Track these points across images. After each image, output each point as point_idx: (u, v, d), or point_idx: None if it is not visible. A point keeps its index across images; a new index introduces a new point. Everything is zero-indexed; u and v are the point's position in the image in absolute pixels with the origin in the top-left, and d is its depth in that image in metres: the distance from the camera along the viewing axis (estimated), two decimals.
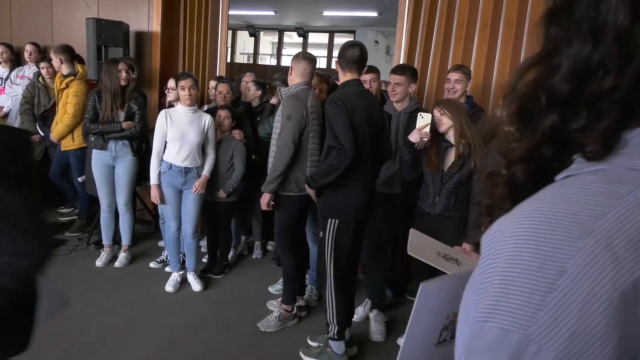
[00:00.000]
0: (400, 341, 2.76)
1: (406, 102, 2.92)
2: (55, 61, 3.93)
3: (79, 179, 3.96)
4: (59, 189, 4.38)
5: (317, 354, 2.59)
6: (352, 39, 12.97)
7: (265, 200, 2.75)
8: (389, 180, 2.88)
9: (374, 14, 9.72)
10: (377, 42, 13.08)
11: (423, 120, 2.46)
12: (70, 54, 3.98)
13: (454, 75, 2.92)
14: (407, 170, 2.62)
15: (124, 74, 3.44)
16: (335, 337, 2.55)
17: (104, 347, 2.56)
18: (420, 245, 1.46)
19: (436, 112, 2.47)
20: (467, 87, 2.94)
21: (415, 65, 3.71)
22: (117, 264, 3.62)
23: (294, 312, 2.98)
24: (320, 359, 2.57)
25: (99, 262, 3.60)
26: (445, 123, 2.46)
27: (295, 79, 2.78)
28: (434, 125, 2.47)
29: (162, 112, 3.22)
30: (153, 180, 3.21)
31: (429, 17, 3.61)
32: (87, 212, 4.16)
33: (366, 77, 2.98)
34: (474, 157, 2.39)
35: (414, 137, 2.49)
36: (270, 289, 3.39)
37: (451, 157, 2.48)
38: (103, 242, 3.71)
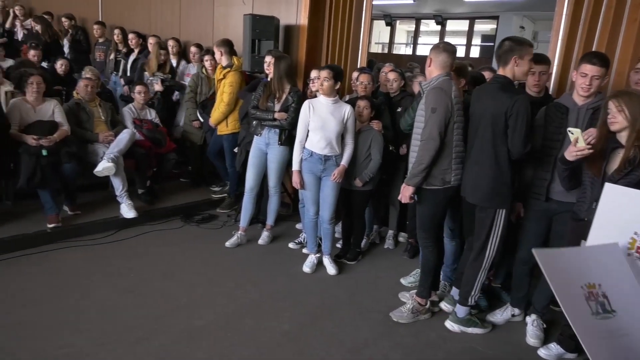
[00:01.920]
0: (544, 352, 2.62)
1: (591, 96, 2.52)
2: (217, 53, 4.36)
3: (234, 150, 4.29)
4: (213, 170, 4.89)
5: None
6: (495, 27, 12.20)
7: (407, 193, 2.74)
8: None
9: None
10: (522, 27, 12.14)
11: (574, 136, 2.21)
12: (229, 47, 4.37)
13: None
14: (566, 183, 2.43)
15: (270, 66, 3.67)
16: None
17: (251, 316, 2.81)
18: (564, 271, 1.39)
19: (612, 106, 2.15)
20: None
21: (576, 54, 3.39)
22: (260, 241, 3.93)
23: (427, 306, 2.96)
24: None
25: (228, 243, 3.78)
26: (620, 122, 2.13)
27: (434, 71, 2.71)
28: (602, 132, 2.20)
29: (306, 102, 3.37)
30: (295, 166, 3.40)
31: None
32: (236, 191, 4.57)
33: (535, 69, 2.77)
34: None
35: (570, 155, 2.25)
36: (403, 281, 3.41)
37: (618, 159, 2.16)
38: (240, 224, 3.90)
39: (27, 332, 2.48)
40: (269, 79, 3.73)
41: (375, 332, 2.76)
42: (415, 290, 3.02)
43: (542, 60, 2.83)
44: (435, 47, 2.74)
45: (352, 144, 3.41)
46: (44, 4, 7.60)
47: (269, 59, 3.84)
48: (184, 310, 2.81)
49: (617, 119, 2.14)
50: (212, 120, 4.42)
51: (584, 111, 2.49)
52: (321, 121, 3.28)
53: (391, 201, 4.04)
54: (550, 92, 3.22)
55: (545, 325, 2.81)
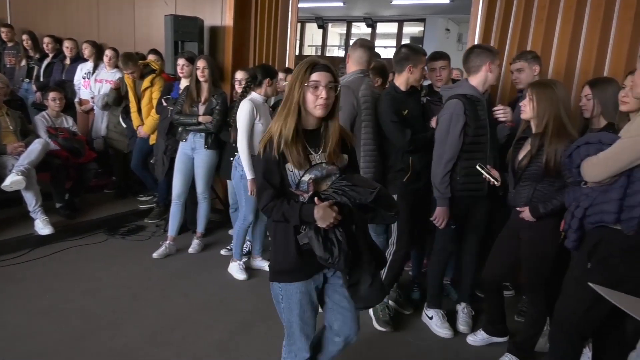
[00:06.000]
0: (471, 339, 2.70)
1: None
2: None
3: (151, 161, 4.09)
4: (140, 179, 4.65)
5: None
6: (423, 29, 12.64)
7: None
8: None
9: (446, 0, 9.37)
10: (448, 30, 12.63)
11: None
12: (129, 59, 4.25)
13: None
14: None
15: (200, 70, 3.45)
16: None
17: (180, 329, 2.68)
18: None
19: (527, 94, 2.26)
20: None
21: None
22: (190, 250, 3.78)
23: None
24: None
25: (155, 254, 3.60)
26: (527, 112, 2.23)
27: (351, 67, 2.77)
28: None
29: (247, 103, 3.10)
30: (249, 174, 3.09)
31: (506, 0, 3.42)
32: (165, 200, 4.37)
33: (435, 65, 2.93)
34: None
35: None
36: None
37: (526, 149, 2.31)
38: (168, 233, 3.71)
39: None
40: (181, 83, 3.61)
41: None
42: None
43: (439, 56, 3.00)
44: (352, 44, 2.78)
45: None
46: None
47: (181, 62, 3.71)
48: (106, 330, 2.63)
49: (526, 108, 2.20)
50: (146, 129, 4.20)
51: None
52: (268, 123, 3.13)
53: None
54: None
55: (474, 313, 2.90)
